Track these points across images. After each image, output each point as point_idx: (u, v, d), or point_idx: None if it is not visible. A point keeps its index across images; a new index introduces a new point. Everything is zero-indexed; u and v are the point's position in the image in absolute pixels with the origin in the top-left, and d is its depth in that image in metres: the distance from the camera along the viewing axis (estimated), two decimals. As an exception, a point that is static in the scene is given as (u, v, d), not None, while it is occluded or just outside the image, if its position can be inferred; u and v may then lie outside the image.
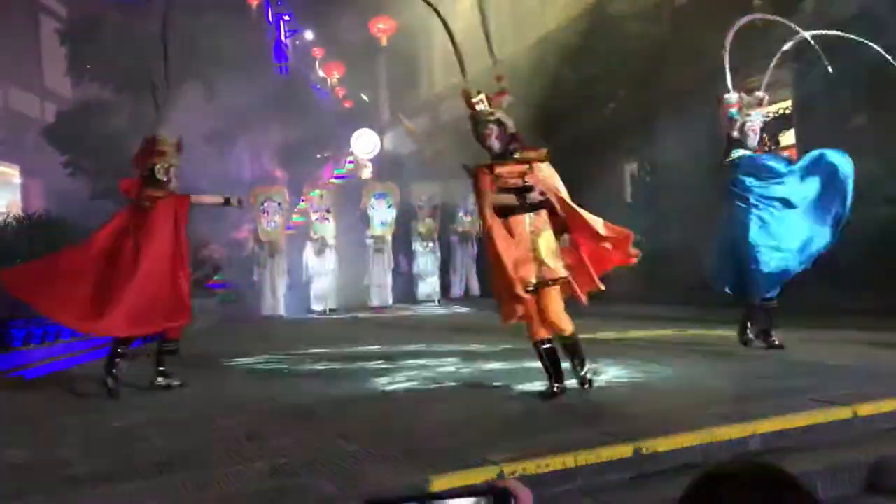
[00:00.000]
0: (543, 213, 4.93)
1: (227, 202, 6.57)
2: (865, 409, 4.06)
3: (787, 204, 6.29)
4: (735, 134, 6.44)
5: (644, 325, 9.03)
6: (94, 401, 5.75)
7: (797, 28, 6.86)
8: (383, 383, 5.87)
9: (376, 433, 4.20)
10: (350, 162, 20.40)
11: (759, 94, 6.58)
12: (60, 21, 19.92)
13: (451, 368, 6.42)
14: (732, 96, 6.52)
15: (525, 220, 4.88)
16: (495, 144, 4.99)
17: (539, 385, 5.11)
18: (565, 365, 5.01)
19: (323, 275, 14.87)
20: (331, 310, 14.70)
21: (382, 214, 15.26)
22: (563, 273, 4.86)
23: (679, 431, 3.74)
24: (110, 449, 4.15)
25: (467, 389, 5.47)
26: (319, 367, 7.03)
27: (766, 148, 11.75)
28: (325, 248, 14.90)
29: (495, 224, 4.86)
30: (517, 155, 4.96)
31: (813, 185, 6.34)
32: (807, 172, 6.37)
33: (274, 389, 5.92)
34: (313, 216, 15.11)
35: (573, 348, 5.03)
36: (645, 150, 13.91)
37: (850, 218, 6.37)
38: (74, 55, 16.72)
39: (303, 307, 14.66)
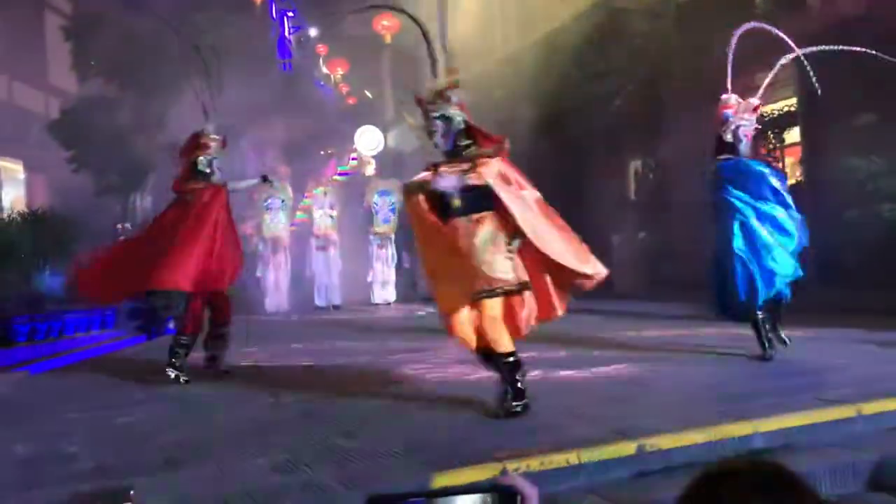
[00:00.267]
0: (489, 216, 4.39)
1: (264, 179, 6.95)
2: (870, 408, 4.06)
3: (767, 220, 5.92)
4: (728, 137, 6.22)
5: (647, 323, 9.02)
6: (98, 396, 5.76)
7: (792, 44, 6.69)
8: (384, 381, 5.87)
9: (379, 430, 4.20)
10: (353, 158, 20.38)
11: (753, 101, 6.39)
12: (65, 17, 19.93)
13: (451, 366, 6.41)
14: (731, 98, 6.38)
15: (465, 225, 4.38)
16: (441, 142, 4.65)
17: (537, 383, 5.10)
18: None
19: (326, 271, 14.87)
20: (334, 306, 14.70)
21: (386, 211, 15.26)
22: (504, 281, 4.30)
23: (683, 429, 3.75)
24: (115, 444, 4.17)
25: (469, 387, 5.46)
26: (321, 363, 7.03)
27: (770, 156, 11.75)
28: (329, 245, 14.91)
29: (426, 229, 4.56)
30: (467, 152, 4.53)
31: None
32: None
33: (276, 385, 5.92)
34: (317, 213, 15.11)
35: (506, 369, 4.45)
36: (650, 148, 13.89)
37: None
38: (79, 51, 16.74)
39: (306, 303, 14.67)
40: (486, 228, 4.35)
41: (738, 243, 5.81)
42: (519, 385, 4.41)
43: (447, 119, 4.57)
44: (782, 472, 1.13)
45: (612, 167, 14.97)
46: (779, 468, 1.14)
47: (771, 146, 11.98)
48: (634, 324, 9.03)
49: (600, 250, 15.37)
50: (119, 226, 14.10)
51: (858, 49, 6.56)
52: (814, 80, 6.70)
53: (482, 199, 4.37)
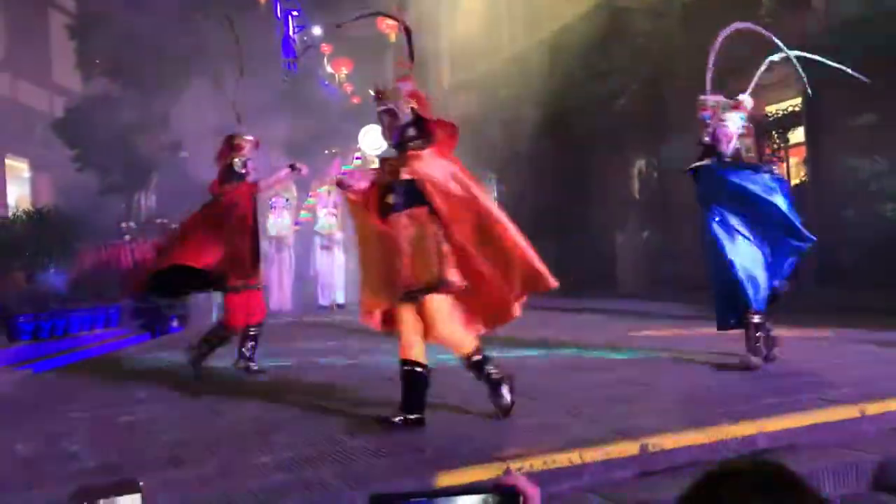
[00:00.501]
0: (421, 212, 4.21)
1: (292, 168, 6.88)
2: (873, 409, 4.06)
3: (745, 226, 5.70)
4: (706, 139, 5.96)
5: (650, 323, 9.02)
6: (101, 395, 5.78)
7: (782, 46, 6.57)
8: (387, 380, 5.87)
9: (381, 429, 4.19)
10: (358, 158, 20.38)
11: (742, 96, 6.07)
12: (70, 16, 19.97)
13: (453, 364, 6.41)
14: (707, 99, 6.09)
15: (398, 221, 4.23)
16: (385, 136, 4.52)
17: (541, 383, 5.11)
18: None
19: (330, 270, 14.88)
20: (338, 305, 14.71)
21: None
22: (427, 281, 4.12)
23: (685, 429, 3.75)
24: (118, 443, 4.18)
25: (471, 385, 5.46)
26: (323, 361, 7.04)
27: (774, 155, 11.71)
28: (333, 244, 14.92)
29: (362, 225, 4.47)
30: (412, 145, 4.35)
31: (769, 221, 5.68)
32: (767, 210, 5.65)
33: (279, 384, 5.93)
34: (321, 212, 15.12)
35: (474, 370, 4.34)
36: (653, 147, 13.88)
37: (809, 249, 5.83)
38: (83, 50, 16.78)
39: (310, 302, 14.69)
40: (416, 224, 4.20)
41: (725, 248, 5.64)
42: (493, 377, 4.30)
43: (392, 113, 4.41)
44: (784, 473, 1.13)
45: (616, 166, 14.96)
46: (780, 468, 1.14)
47: (775, 146, 11.97)
48: (637, 323, 9.03)
49: (603, 249, 15.47)
50: (123, 224, 14.13)
51: (832, 64, 6.37)
52: (805, 80, 6.54)
53: (416, 195, 4.22)
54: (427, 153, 4.31)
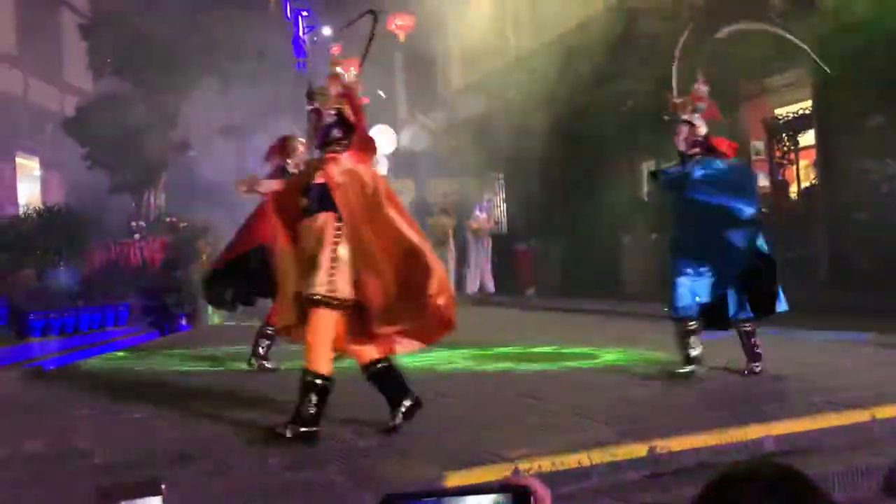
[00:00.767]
0: (327, 217, 4.04)
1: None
2: (884, 412, 4.04)
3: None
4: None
5: (658, 324, 8.97)
6: (110, 392, 5.80)
7: (784, 32, 6.38)
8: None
9: (389, 429, 4.20)
10: (366, 158, 20.43)
11: (699, 87, 5.63)
12: (81, 15, 20.05)
13: (461, 366, 6.42)
14: (675, 100, 5.71)
15: (307, 225, 4.10)
16: (311, 136, 4.42)
17: (550, 385, 5.10)
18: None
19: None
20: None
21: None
22: (316, 291, 3.91)
23: (693, 431, 3.74)
24: (127, 440, 4.19)
25: (479, 387, 5.47)
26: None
27: (784, 159, 11.66)
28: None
29: (276, 230, 4.34)
30: (332, 147, 4.22)
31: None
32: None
33: (287, 382, 5.93)
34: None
35: (301, 385, 4.04)
36: (662, 149, 13.84)
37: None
38: (94, 50, 16.83)
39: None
40: (318, 230, 4.03)
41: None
42: (306, 409, 3.95)
43: (318, 113, 4.28)
44: (797, 476, 1.13)
45: (624, 168, 14.93)
46: (794, 471, 1.14)
47: (785, 148, 11.93)
48: (645, 325, 9.00)
49: (611, 251, 15.43)
50: (133, 223, 14.18)
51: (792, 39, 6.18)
52: (821, 65, 6.30)
53: (328, 199, 4.06)
54: (345, 157, 4.15)
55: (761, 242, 5.22)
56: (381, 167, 20.06)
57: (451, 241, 16.02)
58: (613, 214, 14.37)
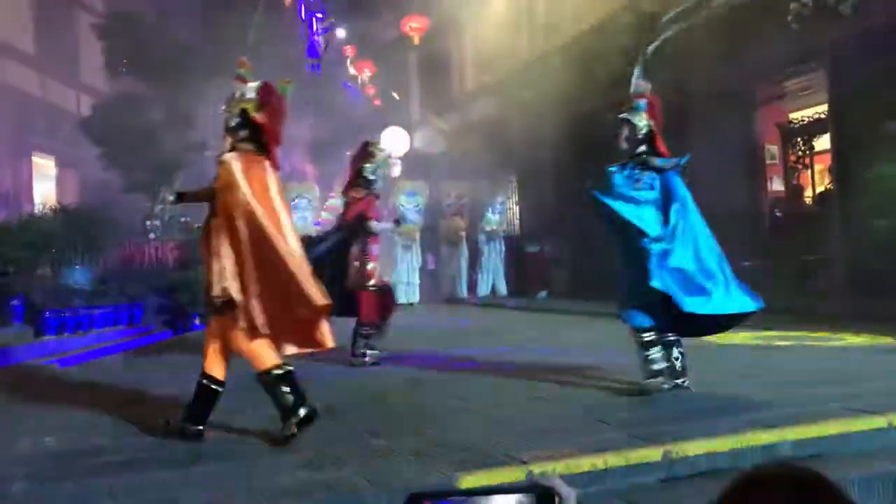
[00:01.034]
0: (219, 221, 4.08)
1: (397, 223, 7.82)
2: (900, 419, 4.01)
3: None
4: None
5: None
6: (125, 390, 5.83)
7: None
8: (407, 381, 5.89)
9: (403, 429, 4.22)
10: (379, 159, 20.45)
11: (639, 83, 5.61)
12: (97, 16, 20.19)
13: (473, 368, 6.42)
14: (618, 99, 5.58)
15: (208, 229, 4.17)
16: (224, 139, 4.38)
17: (564, 388, 5.09)
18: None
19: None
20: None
21: (411, 212, 15.31)
22: (210, 293, 4.01)
23: (709, 436, 3.73)
24: (142, 438, 4.21)
25: (493, 389, 5.47)
26: (344, 362, 7.06)
27: (797, 164, 11.58)
28: (354, 244, 14.98)
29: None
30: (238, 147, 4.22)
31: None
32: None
33: (300, 382, 5.95)
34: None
35: (267, 386, 4.10)
36: (675, 153, 13.80)
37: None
38: (111, 50, 16.95)
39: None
40: (208, 234, 4.11)
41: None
42: (287, 402, 4.02)
43: (230, 114, 4.27)
44: (819, 479, 1.13)
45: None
46: (815, 475, 1.14)
47: (800, 153, 11.87)
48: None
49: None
50: (149, 222, 14.26)
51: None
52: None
53: (213, 203, 4.14)
54: (231, 158, 4.10)
55: (657, 273, 4.83)
56: (395, 169, 20.12)
57: (464, 244, 16.04)
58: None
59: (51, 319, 8.53)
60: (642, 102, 5.22)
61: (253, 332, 4.01)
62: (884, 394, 4.55)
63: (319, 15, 20.40)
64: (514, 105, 16.00)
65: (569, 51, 14.18)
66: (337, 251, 6.79)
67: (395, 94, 22.28)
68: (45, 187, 20.22)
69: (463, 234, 16.00)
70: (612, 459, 3.46)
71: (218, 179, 4.08)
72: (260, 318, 3.96)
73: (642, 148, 5.16)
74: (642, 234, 4.92)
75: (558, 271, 15.39)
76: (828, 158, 11.24)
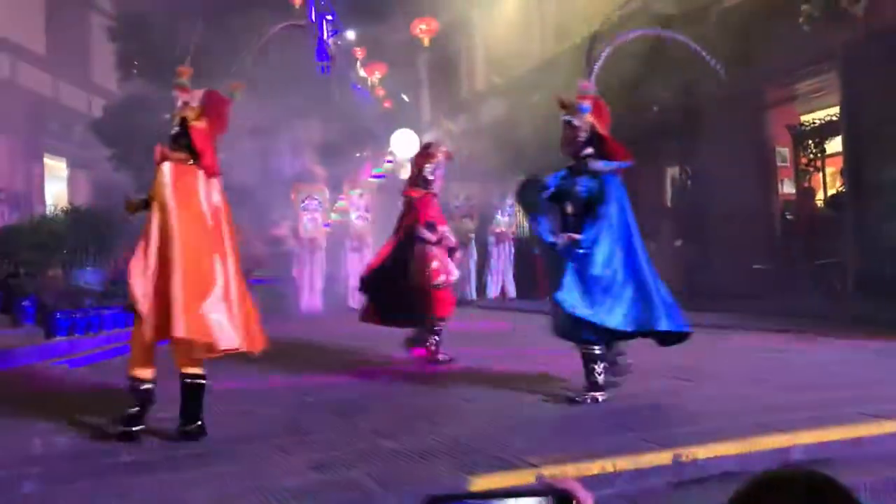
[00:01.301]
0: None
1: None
2: (913, 424, 3.99)
3: None
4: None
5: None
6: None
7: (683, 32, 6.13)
8: (417, 383, 5.90)
9: (413, 431, 4.22)
10: (389, 161, 20.49)
11: (583, 85, 5.35)
12: (109, 18, 20.30)
13: (482, 370, 6.41)
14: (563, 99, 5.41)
15: None
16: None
17: (572, 390, 5.07)
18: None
19: (360, 273, 14.96)
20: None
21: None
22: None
23: (720, 439, 3.72)
24: (152, 439, 4.22)
25: (503, 391, 5.46)
26: (355, 364, 7.07)
27: (811, 164, 11.53)
28: (363, 247, 15.01)
29: None
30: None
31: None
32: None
33: (310, 384, 5.97)
34: (352, 215, 15.22)
35: (185, 388, 4.26)
36: (687, 156, 13.77)
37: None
38: (122, 52, 17.05)
39: (340, 304, 14.77)
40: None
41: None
42: (190, 408, 4.20)
43: (172, 123, 4.43)
44: (832, 484, 1.12)
45: (649, 174, 14.85)
46: (828, 479, 1.13)
47: (811, 156, 11.81)
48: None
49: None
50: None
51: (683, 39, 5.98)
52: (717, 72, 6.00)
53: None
54: (165, 167, 4.25)
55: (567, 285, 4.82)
56: (405, 171, 20.14)
57: (473, 245, 16.02)
58: (638, 221, 14.29)
59: (61, 320, 8.55)
60: (586, 104, 5.18)
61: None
62: (895, 399, 4.53)
63: (329, 17, 20.44)
64: (524, 107, 15.98)
65: (579, 53, 14.15)
66: (400, 253, 6.99)
67: (404, 97, 22.31)
68: (57, 188, 20.32)
69: (472, 235, 15.98)
70: (622, 462, 3.45)
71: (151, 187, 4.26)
72: (150, 319, 4.11)
73: (587, 150, 5.09)
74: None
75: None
76: (839, 161, 11.20)
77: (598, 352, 4.90)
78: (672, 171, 14.76)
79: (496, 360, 6.90)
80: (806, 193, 12.03)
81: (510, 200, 16.69)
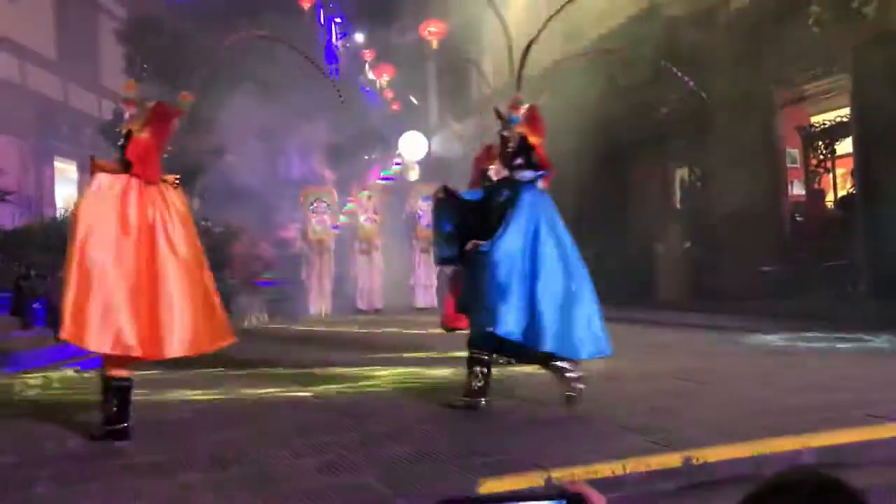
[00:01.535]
0: None
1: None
2: (924, 427, 3.97)
3: None
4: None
5: (692, 334, 8.92)
6: (147, 393, 5.87)
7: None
8: (425, 385, 5.90)
9: (422, 434, 4.23)
10: (397, 164, 20.51)
11: (514, 97, 5.38)
12: (119, 21, 20.38)
13: (494, 373, 6.40)
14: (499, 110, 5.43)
15: None
16: None
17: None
18: None
19: (369, 275, 15.00)
20: (376, 310, 14.80)
21: (429, 216, 15.30)
22: None
23: (730, 442, 3.71)
24: (164, 442, 4.24)
25: (512, 394, 5.46)
26: (362, 364, 7.08)
27: (818, 167, 11.51)
28: (372, 249, 15.03)
29: None
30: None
31: None
32: None
33: (320, 388, 5.98)
34: (361, 217, 15.25)
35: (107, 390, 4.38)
36: (696, 157, 13.75)
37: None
38: (132, 55, 17.11)
39: (349, 306, 14.80)
40: None
41: None
42: (111, 407, 4.31)
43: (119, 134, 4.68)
44: (844, 487, 1.12)
45: (658, 175, 14.83)
46: (840, 483, 1.13)
47: (821, 157, 11.77)
48: (678, 334, 8.94)
49: (644, 258, 15.31)
50: (168, 226, 14.35)
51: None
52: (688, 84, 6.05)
53: None
54: (99, 175, 4.53)
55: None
56: (413, 173, 20.16)
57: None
58: (647, 221, 14.27)
59: (73, 323, 8.58)
60: (515, 115, 5.18)
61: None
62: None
63: (338, 20, 20.50)
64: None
65: (590, 55, 14.14)
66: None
67: (413, 99, 22.33)
68: (67, 191, 20.39)
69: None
70: (632, 465, 3.45)
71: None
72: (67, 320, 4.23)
73: (518, 161, 5.07)
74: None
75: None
76: (849, 162, 11.16)
77: (484, 357, 4.92)
78: (681, 173, 14.73)
79: (504, 362, 6.89)
80: (816, 195, 11.97)
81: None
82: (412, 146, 19.81)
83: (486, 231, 4.86)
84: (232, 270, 12.41)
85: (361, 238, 15.08)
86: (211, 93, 15.25)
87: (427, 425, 4.52)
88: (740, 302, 10.91)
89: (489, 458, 3.59)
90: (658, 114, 13.17)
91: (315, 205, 14.82)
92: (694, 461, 3.54)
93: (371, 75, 21.63)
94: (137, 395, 5.74)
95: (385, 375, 6.53)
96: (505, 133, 5.16)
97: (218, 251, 12.59)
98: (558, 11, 6.04)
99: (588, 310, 4.84)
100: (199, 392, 5.87)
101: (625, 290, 13.75)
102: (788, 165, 12.14)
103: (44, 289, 9.17)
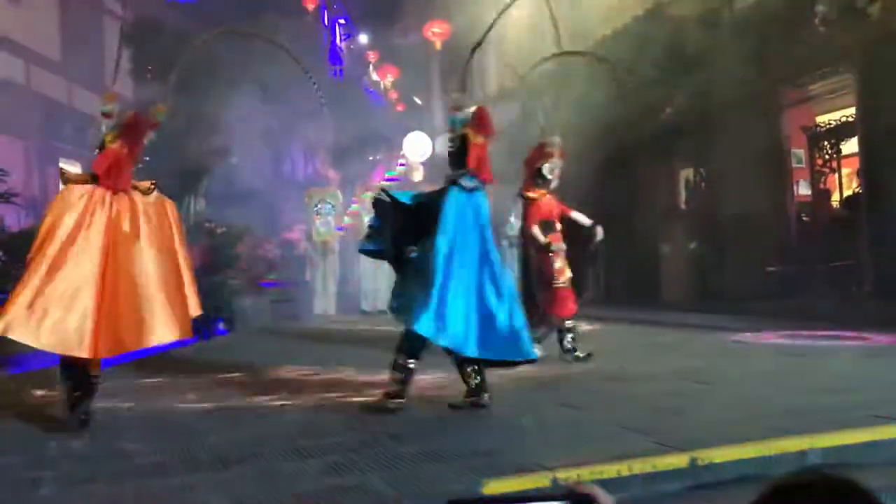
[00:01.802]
0: None
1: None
2: (930, 427, 3.94)
3: None
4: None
5: (697, 334, 8.90)
6: (151, 396, 5.88)
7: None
8: (430, 386, 5.89)
9: (427, 435, 4.22)
10: (402, 164, 20.51)
11: (453, 96, 5.54)
12: (123, 22, 20.42)
13: (495, 374, 6.40)
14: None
15: None
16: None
17: (587, 394, 5.06)
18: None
19: (373, 276, 15.00)
20: (380, 310, 14.79)
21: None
22: None
23: (736, 442, 3.69)
24: (169, 442, 4.24)
25: (517, 395, 5.45)
26: (368, 367, 7.07)
27: (824, 167, 11.45)
28: (376, 249, 15.05)
29: None
30: None
31: None
32: None
33: (324, 388, 5.98)
34: (365, 217, 15.25)
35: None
36: (701, 157, 13.73)
37: None
38: (136, 57, 17.15)
39: (353, 307, 14.81)
40: None
41: None
42: (73, 400, 4.65)
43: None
44: (855, 487, 1.11)
45: (662, 176, 14.82)
46: (851, 482, 1.12)
47: (826, 157, 11.74)
48: (683, 334, 8.93)
49: (648, 259, 15.32)
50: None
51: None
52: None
53: None
54: (70, 188, 4.79)
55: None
56: (417, 174, 20.15)
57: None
58: (651, 222, 14.25)
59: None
60: (457, 116, 5.23)
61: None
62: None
63: (342, 21, 20.52)
64: (537, 109, 15.96)
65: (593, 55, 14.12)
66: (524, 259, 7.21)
67: (416, 100, 22.34)
68: (72, 192, 20.45)
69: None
70: (639, 466, 3.43)
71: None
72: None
73: (455, 161, 5.10)
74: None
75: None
76: (855, 162, 11.13)
77: (410, 365, 4.95)
78: (686, 173, 14.71)
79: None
80: (821, 195, 11.95)
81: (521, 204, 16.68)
82: (416, 147, 19.78)
83: (419, 231, 4.92)
84: (236, 271, 12.43)
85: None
86: (214, 94, 15.32)
87: (433, 426, 4.52)
88: (745, 302, 10.88)
89: (494, 459, 3.58)
90: (663, 114, 13.15)
91: (319, 206, 14.85)
92: (700, 462, 3.52)
93: (375, 76, 21.65)
94: (141, 399, 5.77)
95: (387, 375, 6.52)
96: (449, 135, 5.29)
97: (222, 252, 12.62)
98: (504, 10, 6.11)
99: (508, 315, 4.84)
100: (203, 394, 5.88)
101: (630, 290, 13.75)
102: (794, 165, 12.11)
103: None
